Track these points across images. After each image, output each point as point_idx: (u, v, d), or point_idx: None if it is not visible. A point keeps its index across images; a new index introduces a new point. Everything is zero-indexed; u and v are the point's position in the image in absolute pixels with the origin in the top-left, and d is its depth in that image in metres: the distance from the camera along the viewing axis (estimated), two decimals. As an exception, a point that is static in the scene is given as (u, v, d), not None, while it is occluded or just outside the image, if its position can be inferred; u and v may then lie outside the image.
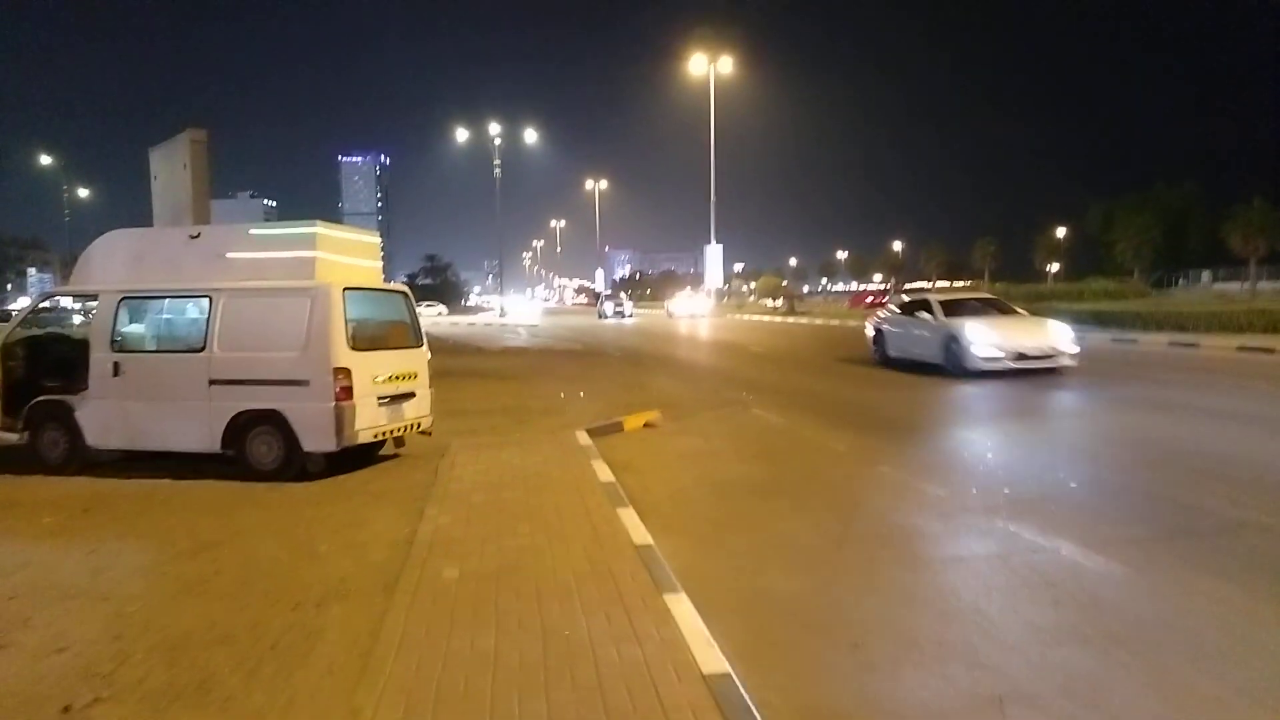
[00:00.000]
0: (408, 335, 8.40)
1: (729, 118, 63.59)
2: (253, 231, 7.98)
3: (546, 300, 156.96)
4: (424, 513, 5.94)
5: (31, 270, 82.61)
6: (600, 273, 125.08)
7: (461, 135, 58.76)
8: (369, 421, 7.44)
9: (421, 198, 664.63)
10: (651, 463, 8.29)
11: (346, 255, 7.95)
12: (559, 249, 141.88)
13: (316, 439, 7.21)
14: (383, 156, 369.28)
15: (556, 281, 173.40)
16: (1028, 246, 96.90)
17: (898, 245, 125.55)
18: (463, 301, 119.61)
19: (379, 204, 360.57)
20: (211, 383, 7.37)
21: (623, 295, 75.89)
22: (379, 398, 7.59)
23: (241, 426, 7.38)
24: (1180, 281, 59.19)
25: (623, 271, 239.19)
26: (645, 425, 10.34)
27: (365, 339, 7.74)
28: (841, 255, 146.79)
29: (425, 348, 8.50)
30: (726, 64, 65.70)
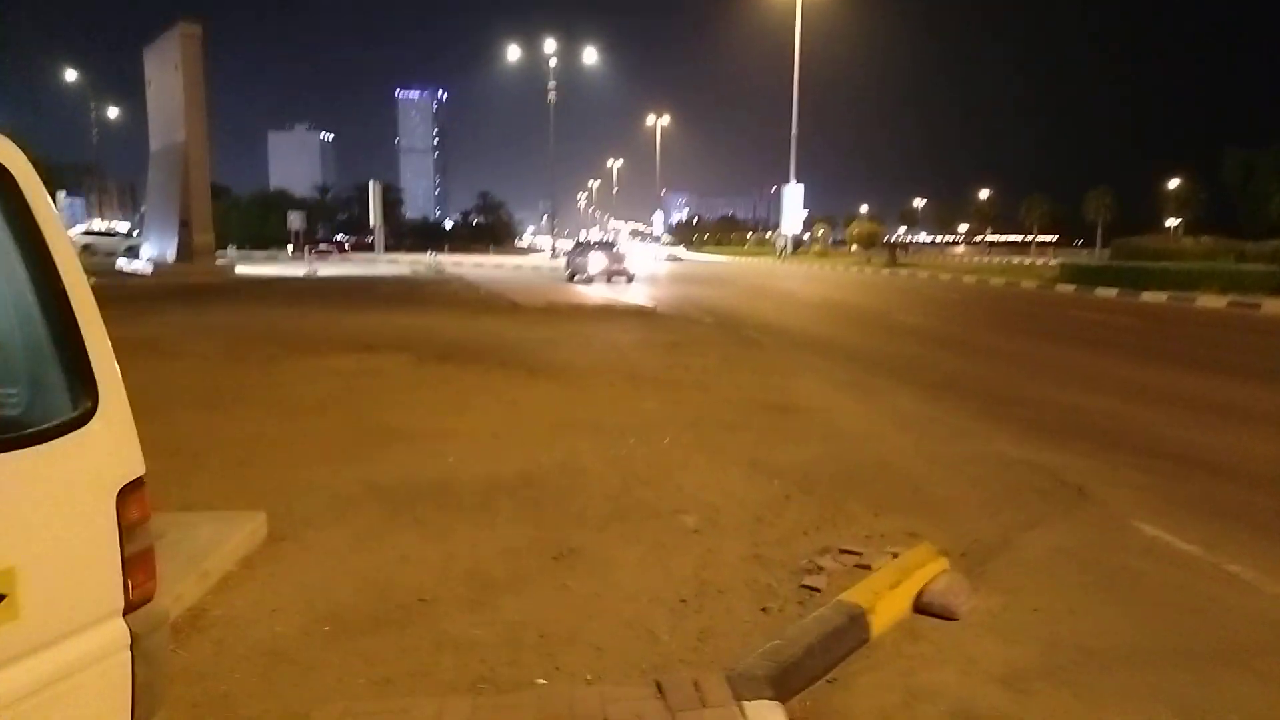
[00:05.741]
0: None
1: (805, 46, 54.47)
2: None
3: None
4: None
5: (61, 194, 77.73)
6: (659, 215, 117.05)
7: (515, 56, 52.39)
8: None
9: (477, 137, 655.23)
10: None
11: None
12: (615, 189, 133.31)
13: None
14: (440, 92, 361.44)
15: (611, 224, 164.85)
16: (1142, 199, 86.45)
17: (984, 193, 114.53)
18: (515, 242, 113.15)
19: (435, 141, 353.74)
20: None
21: None
22: None
23: None
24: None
25: (680, 215, 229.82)
26: (917, 609, 3.62)
27: None
28: (919, 203, 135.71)
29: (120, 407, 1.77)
30: (815, -25, 57.00)
